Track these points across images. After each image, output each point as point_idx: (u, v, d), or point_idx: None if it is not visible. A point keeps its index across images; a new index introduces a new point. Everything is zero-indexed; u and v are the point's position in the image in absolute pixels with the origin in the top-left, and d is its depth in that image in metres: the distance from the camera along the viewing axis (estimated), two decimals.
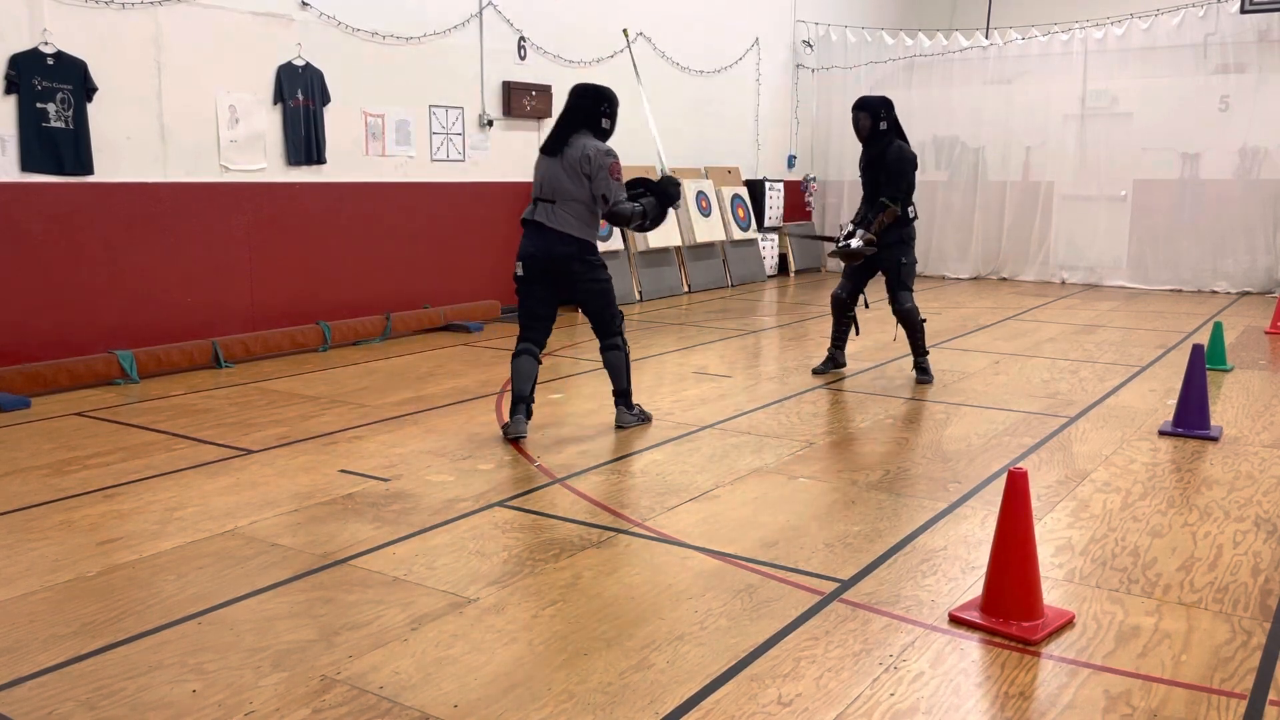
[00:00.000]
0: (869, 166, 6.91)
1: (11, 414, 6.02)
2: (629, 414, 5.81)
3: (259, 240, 8.03)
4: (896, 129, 6.89)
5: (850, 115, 7.03)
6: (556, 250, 5.45)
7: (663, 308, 10.80)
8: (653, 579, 3.60)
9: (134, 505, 4.39)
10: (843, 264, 7.18)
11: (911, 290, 6.90)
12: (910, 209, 6.83)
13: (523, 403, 5.56)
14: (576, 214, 5.47)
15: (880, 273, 6.98)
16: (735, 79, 13.33)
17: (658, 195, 5.87)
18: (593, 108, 5.51)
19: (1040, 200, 13.40)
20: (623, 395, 5.80)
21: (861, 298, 7.13)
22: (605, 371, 5.81)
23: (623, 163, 5.84)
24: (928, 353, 7.07)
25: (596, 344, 5.81)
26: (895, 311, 6.91)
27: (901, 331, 7.04)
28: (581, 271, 5.52)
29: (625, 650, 3.05)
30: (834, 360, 7.25)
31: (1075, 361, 7.74)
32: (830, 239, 7.31)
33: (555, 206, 5.46)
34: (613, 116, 5.59)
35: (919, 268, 13.94)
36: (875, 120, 6.82)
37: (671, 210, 6.06)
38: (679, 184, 5.99)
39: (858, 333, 7.38)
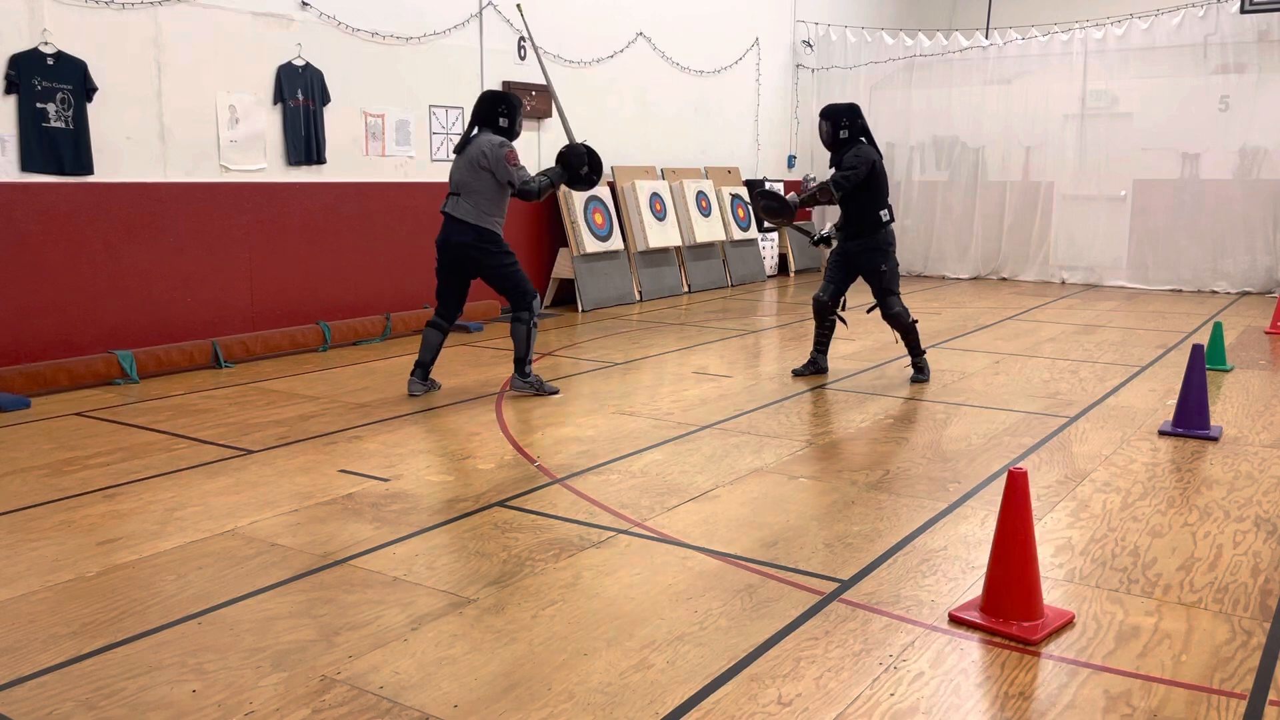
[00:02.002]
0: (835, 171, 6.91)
1: (11, 414, 6.02)
2: (521, 380, 6.48)
3: (259, 240, 8.03)
4: (863, 133, 6.83)
5: None
6: (455, 238, 6.22)
7: (663, 308, 10.80)
8: (653, 579, 3.60)
9: (134, 505, 4.39)
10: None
11: (898, 294, 6.87)
12: (883, 213, 6.78)
13: (421, 367, 6.48)
14: (475, 204, 6.19)
15: (860, 276, 6.97)
16: (735, 79, 13.33)
17: (560, 160, 6.46)
18: (490, 109, 6.26)
19: (1040, 200, 13.40)
20: (518, 363, 6.47)
21: (842, 300, 7.07)
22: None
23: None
24: (924, 352, 7.07)
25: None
26: (884, 317, 6.90)
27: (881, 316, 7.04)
28: (479, 257, 6.26)
29: (625, 650, 3.05)
30: (815, 364, 7.18)
31: (1075, 361, 7.74)
32: (806, 233, 7.44)
33: (459, 199, 6.21)
34: (512, 116, 6.29)
35: (920, 268, 14.10)
36: (836, 128, 6.80)
37: (589, 176, 6.54)
38: (583, 150, 6.46)
39: (846, 325, 7.40)
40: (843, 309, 7.11)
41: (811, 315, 7.28)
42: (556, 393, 6.50)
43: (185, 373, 7.25)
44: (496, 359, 7.80)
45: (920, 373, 6.98)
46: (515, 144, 6.29)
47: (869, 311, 7.21)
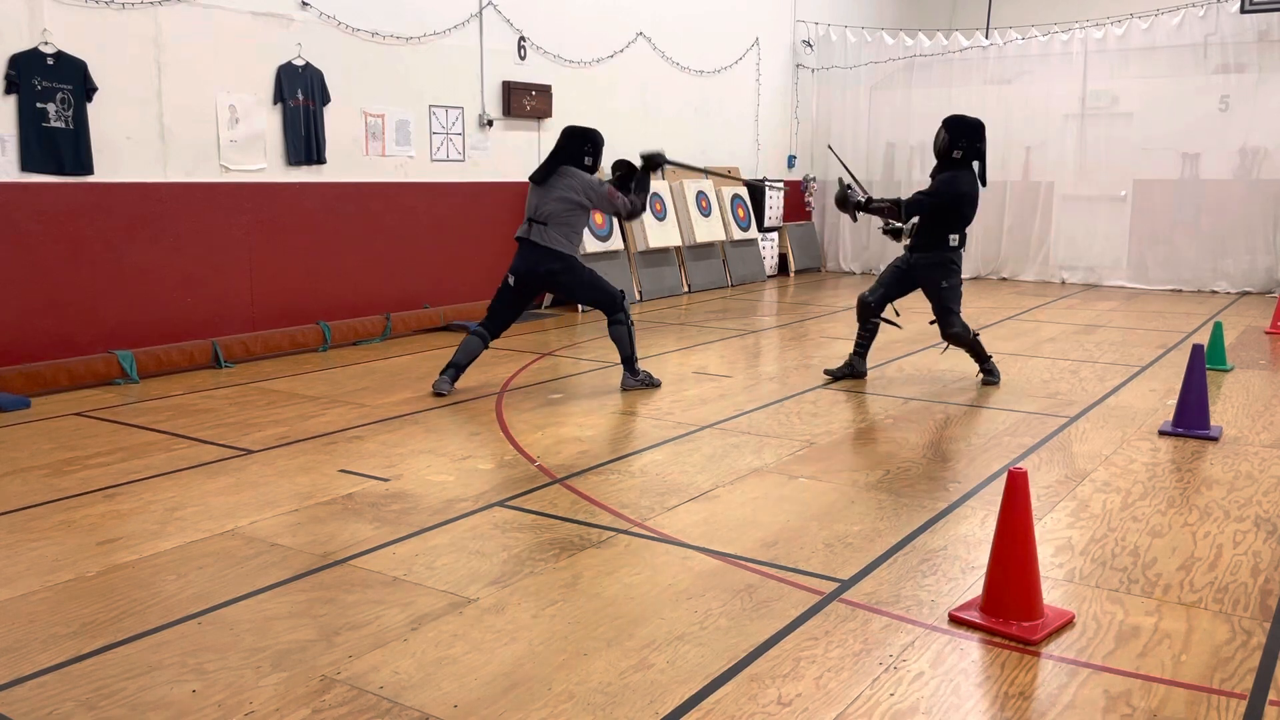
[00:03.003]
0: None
1: (11, 414, 6.02)
2: (632, 379, 6.69)
3: (259, 240, 8.03)
4: (979, 157, 6.77)
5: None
6: (542, 266, 6.47)
7: (663, 308, 10.80)
8: (653, 579, 3.60)
9: (134, 505, 4.39)
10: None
11: (958, 312, 6.75)
12: (954, 237, 6.69)
13: (454, 368, 6.56)
14: (565, 235, 6.48)
15: (918, 288, 6.88)
16: (735, 79, 13.32)
17: (643, 169, 6.73)
18: (577, 147, 6.55)
19: (1040, 200, 13.39)
20: (626, 362, 6.70)
21: (891, 308, 6.99)
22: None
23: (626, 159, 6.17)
24: (989, 357, 6.94)
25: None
26: (944, 336, 6.83)
27: (950, 346, 6.95)
28: (568, 280, 6.59)
29: (625, 650, 3.05)
30: (852, 367, 7.02)
31: (1075, 361, 7.74)
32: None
33: (547, 228, 6.45)
34: (596, 155, 6.64)
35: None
36: (952, 145, 6.73)
37: (656, 168, 6.84)
38: (656, 154, 6.81)
39: (899, 327, 7.36)
40: (896, 315, 7.04)
41: (855, 317, 7.10)
42: (659, 384, 6.76)
43: (185, 373, 7.25)
44: (497, 359, 7.80)
45: (990, 375, 6.89)
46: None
47: (931, 324, 6.99)
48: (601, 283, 6.66)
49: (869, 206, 6.77)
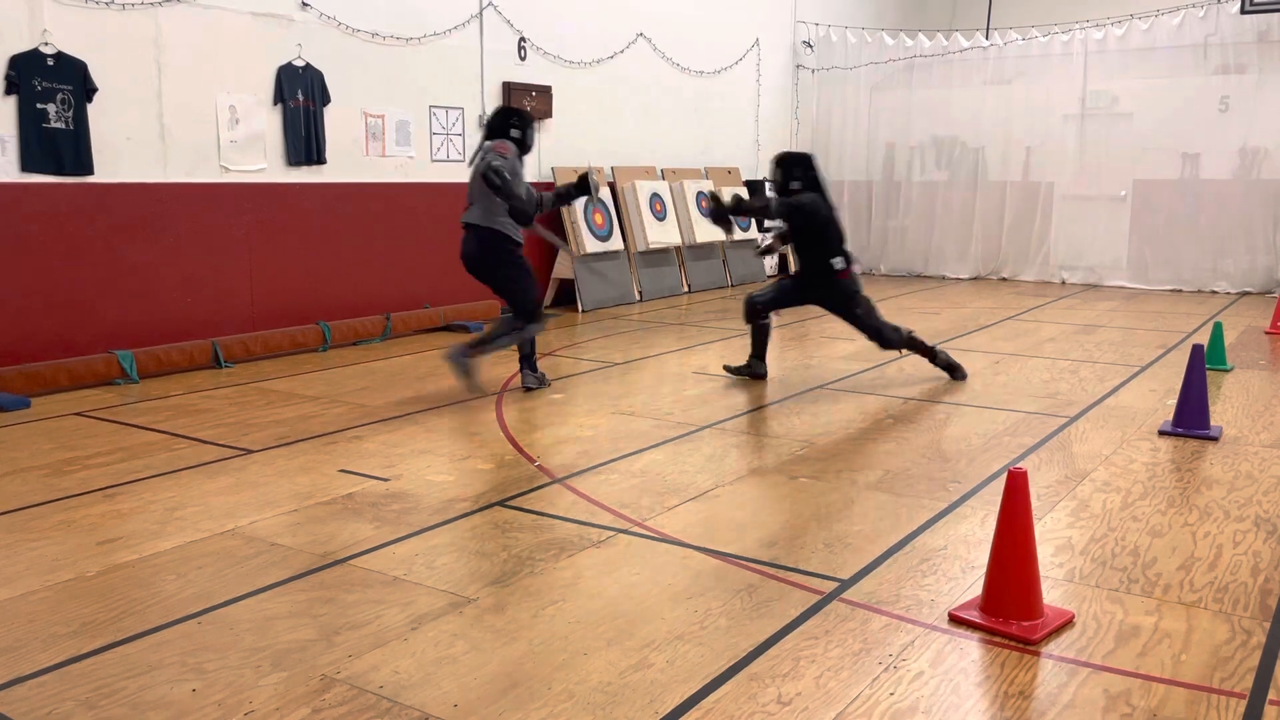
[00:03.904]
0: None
1: (11, 414, 6.02)
2: (462, 354, 6.34)
3: (259, 240, 8.03)
4: (815, 186, 6.64)
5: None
6: (466, 246, 6.34)
7: (663, 308, 10.80)
8: (653, 579, 3.60)
9: (134, 505, 4.39)
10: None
11: (883, 323, 6.72)
12: (837, 260, 6.61)
13: (526, 360, 6.66)
14: (485, 208, 6.25)
15: (807, 304, 6.96)
16: (735, 79, 13.33)
17: (576, 186, 6.63)
18: (503, 122, 6.36)
19: (1040, 200, 13.39)
20: (476, 341, 6.46)
21: (773, 316, 7.00)
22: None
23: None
24: (940, 354, 6.94)
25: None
26: (887, 349, 6.85)
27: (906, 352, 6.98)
28: (489, 260, 6.32)
29: (625, 650, 3.05)
30: (751, 369, 6.95)
31: (1075, 361, 7.74)
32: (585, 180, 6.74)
33: (473, 207, 6.30)
34: (524, 129, 6.38)
35: (920, 268, 14.10)
36: (788, 179, 6.63)
37: (591, 192, 6.63)
38: (591, 183, 6.62)
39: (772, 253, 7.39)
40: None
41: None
42: (484, 394, 6.44)
43: (185, 373, 7.25)
44: (497, 359, 7.79)
45: (953, 372, 6.92)
46: (525, 159, 6.41)
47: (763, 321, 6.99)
48: (521, 291, 6.38)
49: (740, 207, 6.56)
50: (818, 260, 6.70)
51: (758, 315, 6.92)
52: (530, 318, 6.43)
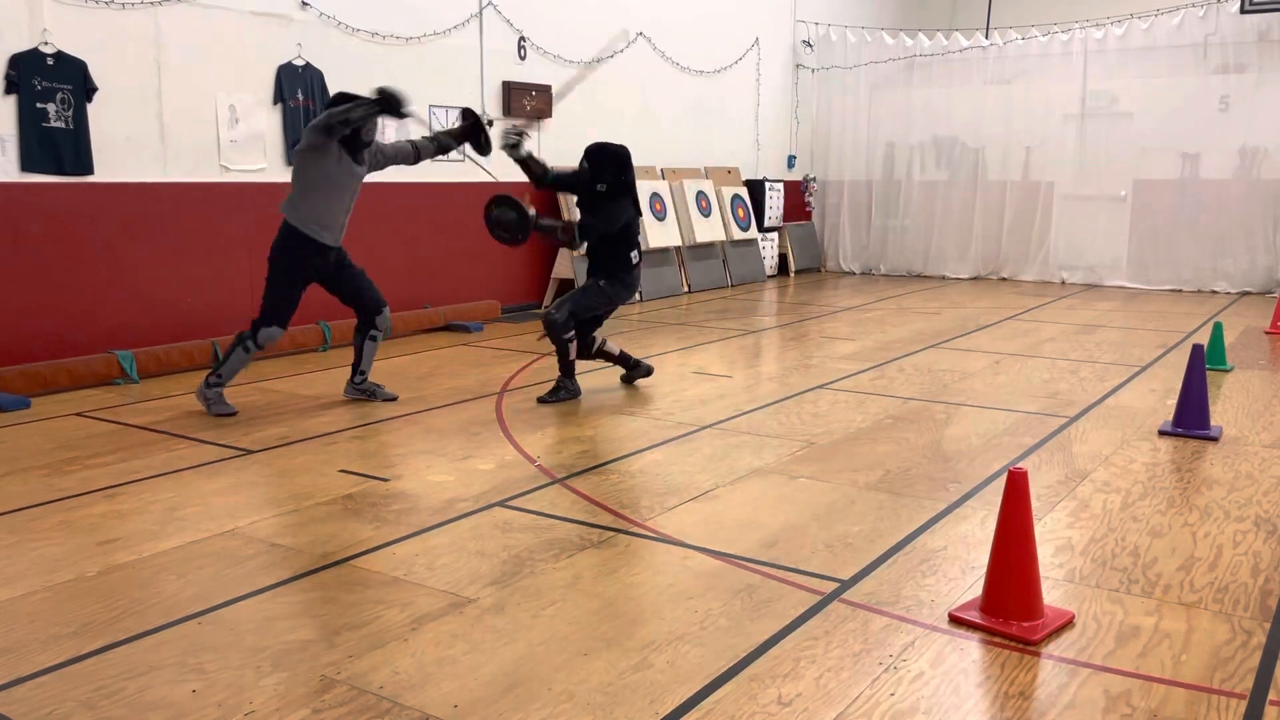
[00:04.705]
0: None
1: (11, 414, 6.02)
2: (206, 387, 6.00)
3: (259, 240, 7.99)
4: (627, 191, 6.41)
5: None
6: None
7: (663, 308, 10.80)
8: (653, 579, 3.60)
9: (134, 505, 4.39)
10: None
11: (573, 314, 6.39)
12: (634, 254, 6.44)
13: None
14: (289, 195, 5.96)
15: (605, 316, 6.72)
16: (735, 79, 13.32)
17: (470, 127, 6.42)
18: (335, 100, 6.06)
19: (1040, 200, 13.40)
20: (214, 371, 6.09)
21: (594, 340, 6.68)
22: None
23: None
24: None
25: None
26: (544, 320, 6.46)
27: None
28: (271, 254, 5.99)
29: (625, 650, 3.05)
30: (569, 390, 6.45)
31: (1075, 361, 7.74)
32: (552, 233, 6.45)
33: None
34: (354, 97, 6.00)
35: (920, 268, 14.11)
36: (595, 179, 6.33)
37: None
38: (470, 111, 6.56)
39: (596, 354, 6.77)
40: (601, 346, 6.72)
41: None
42: (231, 414, 5.95)
43: (185, 373, 7.25)
44: (497, 359, 7.81)
45: (635, 369, 6.75)
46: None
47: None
48: (266, 292, 5.92)
49: (543, 225, 6.26)
50: (616, 257, 6.43)
51: (559, 330, 6.39)
52: (260, 326, 5.94)
